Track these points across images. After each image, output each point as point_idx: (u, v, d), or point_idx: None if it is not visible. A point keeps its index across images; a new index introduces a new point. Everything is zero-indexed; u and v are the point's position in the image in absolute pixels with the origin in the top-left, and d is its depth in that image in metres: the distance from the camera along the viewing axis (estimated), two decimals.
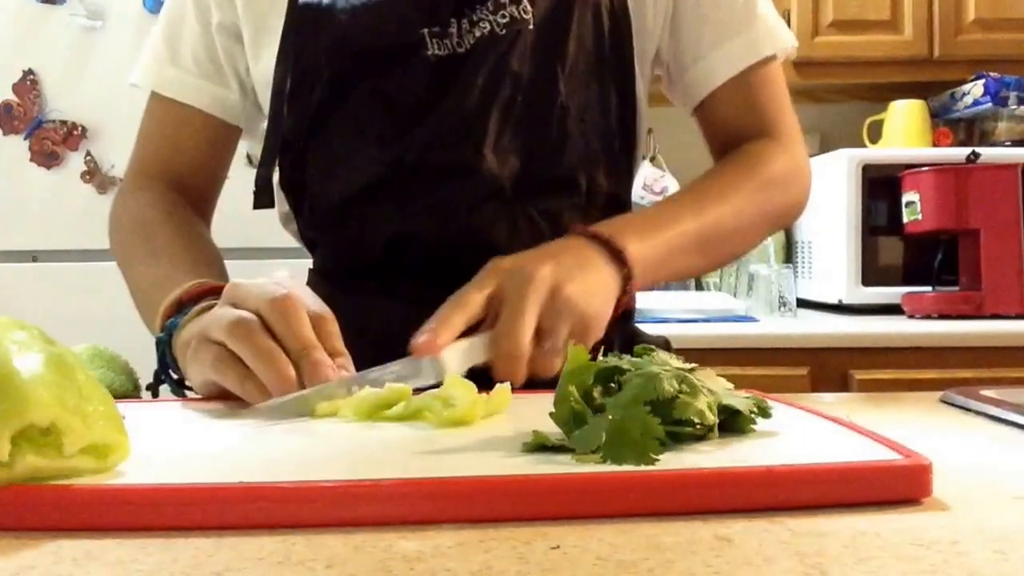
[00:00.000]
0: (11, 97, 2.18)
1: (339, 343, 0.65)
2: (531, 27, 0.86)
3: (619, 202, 0.93)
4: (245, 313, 0.64)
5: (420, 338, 0.64)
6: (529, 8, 0.86)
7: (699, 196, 0.88)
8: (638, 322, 1.02)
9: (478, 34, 0.86)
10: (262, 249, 1.79)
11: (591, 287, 0.72)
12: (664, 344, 0.98)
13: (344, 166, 0.88)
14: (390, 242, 0.87)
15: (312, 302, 0.66)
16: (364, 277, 0.89)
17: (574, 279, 0.70)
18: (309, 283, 0.95)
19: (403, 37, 0.85)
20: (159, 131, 0.97)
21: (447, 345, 0.65)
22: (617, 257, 0.76)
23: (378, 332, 0.73)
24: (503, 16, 0.86)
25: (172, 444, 0.55)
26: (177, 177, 0.96)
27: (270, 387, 0.61)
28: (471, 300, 0.67)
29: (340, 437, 0.55)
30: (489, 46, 0.85)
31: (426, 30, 0.85)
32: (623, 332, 0.94)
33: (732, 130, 0.95)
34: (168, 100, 0.95)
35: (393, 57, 0.86)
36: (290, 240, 1.00)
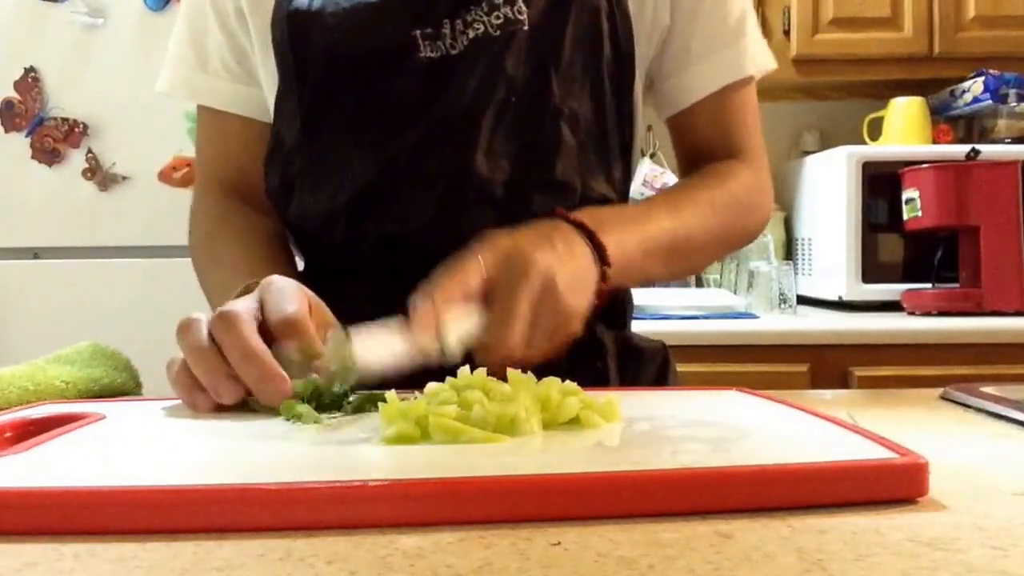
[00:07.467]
0: (12, 94, 2.18)
1: (306, 341, 0.64)
2: (525, 28, 0.84)
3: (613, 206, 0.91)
4: (203, 336, 0.63)
5: (421, 308, 0.63)
6: (524, 9, 0.84)
7: (673, 205, 0.87)
8: (638, 319, 1.01)
9: (471, 35, 0.83)
10: None
11: (577, 282, 0.71)
12: (662, 350, 0.97)
13: (334, 171, 0.86)
14: (380, 247, 0.86)
15: (285, 302, 0.65)
16: (354, 281, 0.88)
17: (565, 271, 0.69)
18: None
19: (394, 40, 0.84)
20: (206, 139, 0.98)
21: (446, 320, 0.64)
22: (599, 253, 0.75)
23: None
24: (497, 17, 0.84)
25: (172, 444, 0.55)
26: (232, 181, 0.96)
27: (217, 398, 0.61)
28: (471, 275, 0.66)
29: (339, 437, 0.55)
30: (483, 47, 0.83)
31: (418, 32, 0.83)
32: (617, 338, 0.92)
33: (704, 145, 0.96)
34: (206, 108, 0.96)
35: (384, 61, 0.84)
36: None
